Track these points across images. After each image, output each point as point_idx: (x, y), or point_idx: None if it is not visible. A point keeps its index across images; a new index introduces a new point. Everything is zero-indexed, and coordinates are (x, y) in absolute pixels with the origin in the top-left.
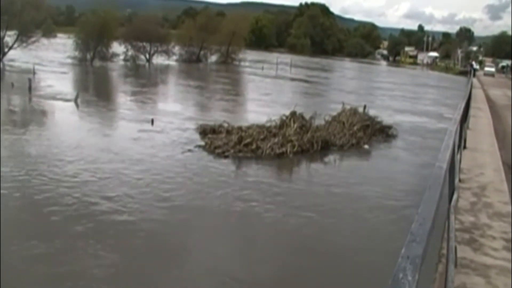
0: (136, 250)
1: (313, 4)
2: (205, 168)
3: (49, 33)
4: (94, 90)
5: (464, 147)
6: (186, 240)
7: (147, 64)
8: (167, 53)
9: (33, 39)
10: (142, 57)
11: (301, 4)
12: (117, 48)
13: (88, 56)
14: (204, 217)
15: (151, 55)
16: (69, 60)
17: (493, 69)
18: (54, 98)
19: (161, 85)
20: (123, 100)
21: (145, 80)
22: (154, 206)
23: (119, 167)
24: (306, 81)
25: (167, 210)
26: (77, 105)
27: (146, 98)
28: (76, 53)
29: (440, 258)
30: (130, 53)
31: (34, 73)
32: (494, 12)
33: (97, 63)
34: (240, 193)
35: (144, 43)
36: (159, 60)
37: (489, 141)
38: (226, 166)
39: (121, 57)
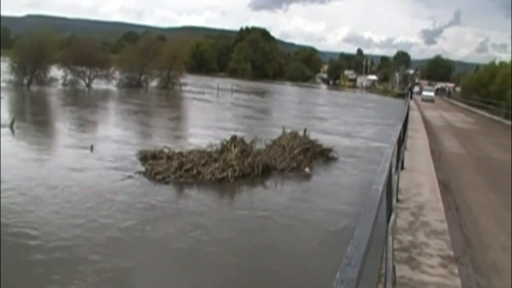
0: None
1: (253, 28)
2: (144, 195)
3: None
4: (31, 115)
5: (402, 168)
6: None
7: (86, 89)
8: (107, 78)
9: None
10: (82, 81)
11: (241, 29)
12: (56, 72)
13: (25, 80)
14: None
15: (90, 80)
16: (4, 84)
17: (432, 94)
18: None
19: (101, 111)
20: (62, 125)
21: (84, 105)
22: (86, 233)
23: (53, 193)
24: (247, 106)
25: (99, 236)
26: (12, 131)
27: (85, 124)
28: (12, 77)
29: (380, 278)
30: (69, 77)
31: None
32: (429, 37)
33: (34, 87)
34: (170, 221)
35: (84, 68)
36: (99, 85)
37: (425, 162)
38: (166, 192)
39: (60, 81)
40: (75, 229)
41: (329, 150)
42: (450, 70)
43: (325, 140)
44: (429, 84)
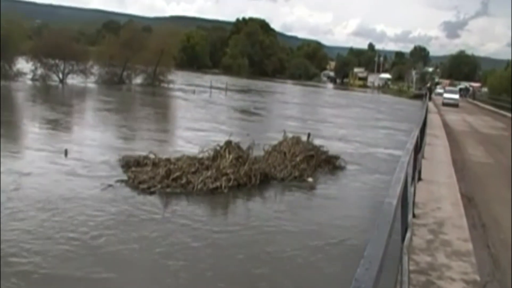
0: None
1: (251, 19)
2: (125, 206)
3: None
4: None
5: (419, 179)
6: None
7: (60, 85)
8: (85, 73)
9: None
10: (55, 77)
11: (238, 20)
12: (24, 65)
13: None
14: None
15: (65, 75)
16: None
17: (456, 96)
18: None
19: (77, 110)
20: (31, 126)
21: (58, 103)
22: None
23: (22, 206)
24: (243, 107)
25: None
26: None
27: (59, 125)
28: None
29: None
30: (39, 71)
31: None
32: (452, 30)
33: None
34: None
35: (57, 61)
36: (74, 80)
37: (446, 172)
38: (150, 203)
39: (29, 76)
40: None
41: (336, 157)
42: (476, 68)
43: (332, 148)
44: (450, 84)
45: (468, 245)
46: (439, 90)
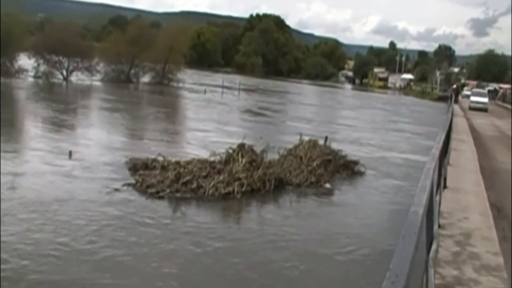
0: None
1: (266, 16)
2: (133, 212)
3: None
4: None
5: (445, 187)
6: None
7: (64, 83)
8: (90, 70)
9: None
10: (58, 74)
11: (251, 16)
12: (26, 61)
13: None
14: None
15: (69, 72)
16: None
17: (485, 99)
18: None
19: (82, 109)
20: (33, 126)
21: (61, 102)
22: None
23: (23, 212)
24: (257, 108)
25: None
26: None
27: (62, 125)
28: None
29: None
30: (42, 68)
31: None
32: (479, 28)
33: None
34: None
35: (61, 57)
36: (79, 78)
37: (474, 180)
38: (158, 209)
39: (31, 73)
40: None
41: (355, 162)
42: (506, 68)
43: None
44: (478, 85)
45: (498, 259)
46: (466, 92)
